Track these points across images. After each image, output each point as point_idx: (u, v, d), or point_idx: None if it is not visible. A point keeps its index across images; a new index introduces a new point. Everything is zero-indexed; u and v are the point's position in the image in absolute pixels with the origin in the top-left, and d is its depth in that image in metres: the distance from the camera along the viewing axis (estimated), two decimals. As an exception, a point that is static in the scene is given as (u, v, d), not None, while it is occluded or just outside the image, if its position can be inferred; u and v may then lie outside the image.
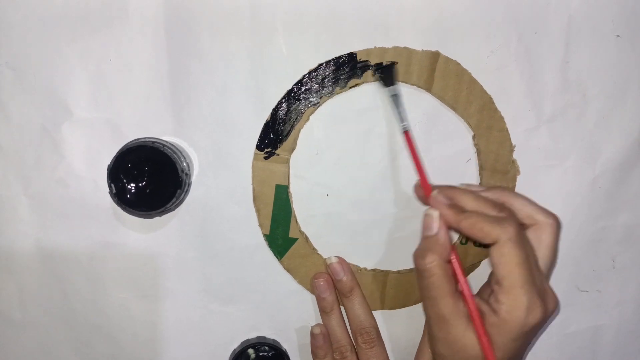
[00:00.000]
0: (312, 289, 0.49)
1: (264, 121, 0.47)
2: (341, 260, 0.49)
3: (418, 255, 0.41)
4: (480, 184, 0.49)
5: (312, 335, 0.49)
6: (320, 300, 0.49)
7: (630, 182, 0.50)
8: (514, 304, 0.38)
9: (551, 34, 0.47)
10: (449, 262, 0.41)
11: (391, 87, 0.47)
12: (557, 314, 0.46)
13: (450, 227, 0.41)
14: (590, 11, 0.47)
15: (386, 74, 0.47)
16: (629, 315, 0.51)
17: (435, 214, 0.42)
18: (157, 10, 0.46)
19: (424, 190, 0.44)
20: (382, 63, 0.47)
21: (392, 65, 0.47)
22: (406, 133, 0.46)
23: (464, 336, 0.39)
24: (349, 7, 0.46)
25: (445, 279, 0.40)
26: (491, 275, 0.41)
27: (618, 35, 0.48)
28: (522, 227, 0.41)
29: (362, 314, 0.48)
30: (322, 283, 0.49)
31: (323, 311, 0.49)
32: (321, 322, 0.50)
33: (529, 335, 0.39)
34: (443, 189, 0.43)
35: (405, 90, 0.47)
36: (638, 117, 0.49)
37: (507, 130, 0.48)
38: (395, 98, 0.46)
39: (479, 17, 0.47)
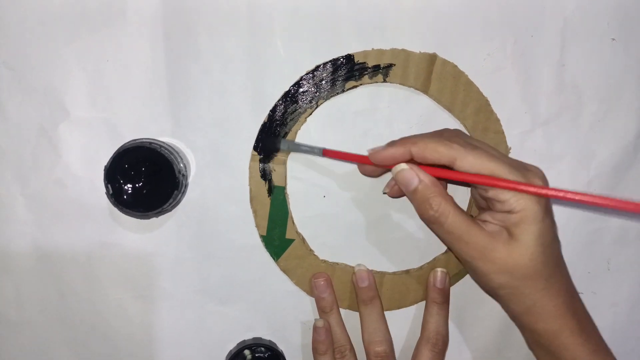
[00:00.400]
0: (310, 289, 0.50)
1: (261, 122, 0.47)
2: (368, 270, 0.49)
3: (422, 210, 0.41)
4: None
5: (315, 328, 0.49)
6: (319, 300, 0.49)
7: (624, 185, 0.50)
8: (516, 189, 0.38)
9: (547, 37, 0.48)
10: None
11: (281, 145, 0.47)
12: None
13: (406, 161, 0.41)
14: (585, 14, 0.48)
15: (266, 143, 0.48)
16: (623, 316, 0.52)
17: (402, 165, 0.41)
18: (155, 11, 0.46)
19: (364, 158, 0.43)
20: (379, 65, 0.47)
21: (269, 136, 0.47)
22: (324, 151, 0.46)
23: (508, 248, 0.39)
24: (347, 9, 0.47)
25: (459, 213, 0.40)
26: (470, 192, 0.45)
27: (613, 39, 0.48)
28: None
29: (376, 323, 0.48)
30: (322, 283, 0.49)
31: (322, 311, 0.49)
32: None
33: (549, 207, 0.40)
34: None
35: (402, 92, 0.48)
36: (632, 119, 0.49)
37: (503, 133, 0.48)
38: (292, 146, 0.47)
39: (475, 20, 0.47)
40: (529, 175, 0.39)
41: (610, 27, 0.48)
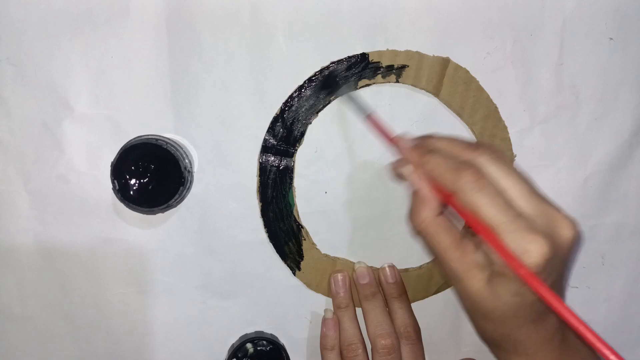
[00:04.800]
0: (328, 287, 0.50)
1: (261, 120, 0.48)
2: (368, 267, 0.50)
3: (409, 218, 0.38)
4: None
5: (324, 321, 0.49)
6: (335, 297, 0.49)
7: (620, 183, 0.51)
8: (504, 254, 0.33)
9: (546, 36, 0.48)
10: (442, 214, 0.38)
11: (344, 89, 0.46)
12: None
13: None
14: (584, 15, 0.49)
15: (328, 81, 0.46)
16: (616, 311, 0.53)
17: (407, 169, 0.38)
18: (158, 8, 0.46)
19: (392, 141, 0.41)
20: (393, 65, 0.47)
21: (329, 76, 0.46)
22: (369, 117, 0.44)
23: (481, 289, 0.35)
24: (349, 8, 0.47)
25: (444, 233, 0.37)
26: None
27: (611, 39, 0.49)
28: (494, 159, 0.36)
29: (380, 316, 0.49)
30: (340, 279, 0.49)
31: (338, 307, 0.49)
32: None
33: (551, 273, 0.34)
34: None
35: (403, 90, 0.48)
36: (628, 119, 0.50)
37: (510, 140, 0.49)
38: (350, 97, 0.46)
39: (475, 20, 0.48)
40: (526, 241, 0.32)
41: (608, 27, 0.49)
